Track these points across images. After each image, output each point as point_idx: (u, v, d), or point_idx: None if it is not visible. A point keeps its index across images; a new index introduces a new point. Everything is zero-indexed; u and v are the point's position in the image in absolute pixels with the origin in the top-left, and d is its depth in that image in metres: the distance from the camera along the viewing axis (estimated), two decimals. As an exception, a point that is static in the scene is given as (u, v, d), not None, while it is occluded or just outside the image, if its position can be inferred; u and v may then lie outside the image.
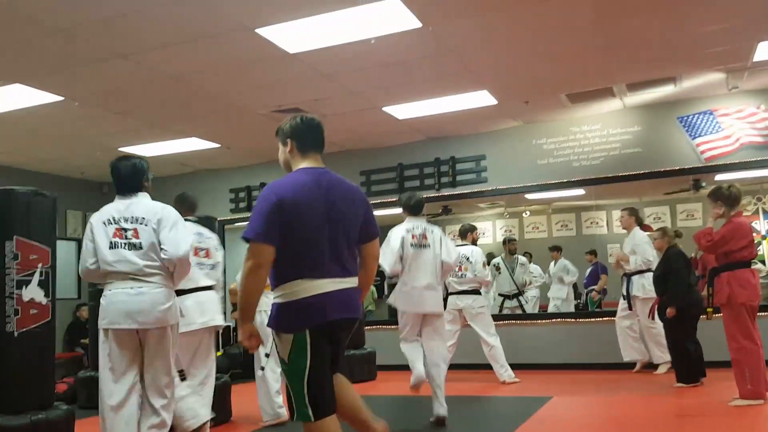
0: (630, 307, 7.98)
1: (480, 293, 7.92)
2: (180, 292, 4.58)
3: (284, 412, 5.64)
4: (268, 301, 4.95)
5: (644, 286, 7.76)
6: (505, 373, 7.78)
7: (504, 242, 11.42)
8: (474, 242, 8.19)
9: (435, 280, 5.67)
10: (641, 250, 7.87)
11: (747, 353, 5.48)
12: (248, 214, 10.08)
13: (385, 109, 8.39)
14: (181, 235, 4.15)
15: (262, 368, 5.66)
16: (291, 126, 3.21)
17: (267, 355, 5.30)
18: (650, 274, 7.60)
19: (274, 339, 3.07)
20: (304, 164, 3.16)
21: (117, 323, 3.96)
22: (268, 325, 3.07)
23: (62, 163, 10.55)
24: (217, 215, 8.64)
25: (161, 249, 4.07)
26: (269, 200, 2.96)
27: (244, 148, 10.10)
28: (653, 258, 7.73)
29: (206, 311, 5.03)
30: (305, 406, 2.93)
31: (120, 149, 9.65)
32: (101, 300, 4.06)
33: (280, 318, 3.00)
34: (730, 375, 5.69)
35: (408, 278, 5.57)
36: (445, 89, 7.81)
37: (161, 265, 4.08)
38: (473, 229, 8.33)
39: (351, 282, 3.10)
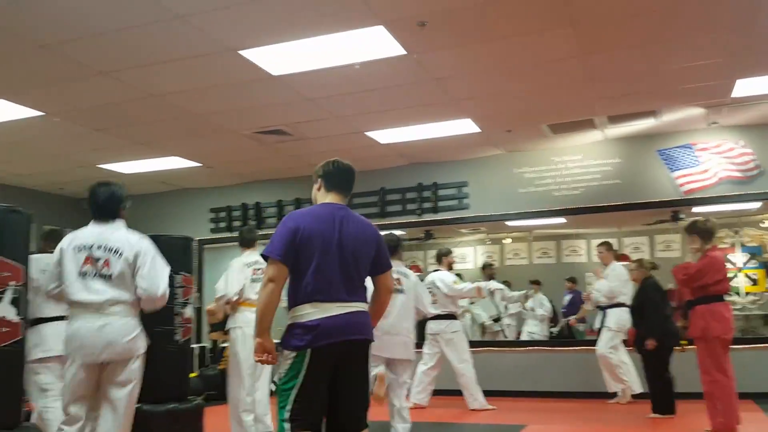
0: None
1: (455, 318, 7.90)
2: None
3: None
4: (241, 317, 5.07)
5: (619, 320, 7.84)
6: (475, 401, 7.74)
7: (483, 267, 11.43)
8: (450, 267, 8.18)
9: (406, 326, 5.63)
10: (600, 284, 8.08)
11: (719, 386, 5.52)
12: (229, 235, 10.20)
13: (367, 133, 8.40)
14: (159, 273, 4.04)
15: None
16: (323, 168, 3.59)
17: None
18: (626, 309, 7.69)
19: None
20: (326, 200, 3.51)
21: (80, 356, 3.83)
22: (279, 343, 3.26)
23: (41, 179, 10.45)
24: (196, 235, 8.58)
25: (138, 286, 3.95)
26: (287, 225, 3.29)
27: (225, 168, 10.07)
28: (613, 293, 7.91)
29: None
30: (287, 420, 3.10)
31: (100, 166, 9.60)
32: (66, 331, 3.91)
33: (289, 336, 3.22)
34: (702, 407, 5.72)
35: (380, 323, 5.49)
36: (428, 116, 7.84)
37: (128, 298, 3.95)
38: (448, 253, 8.33)
39: (358, 306, 3.30)
